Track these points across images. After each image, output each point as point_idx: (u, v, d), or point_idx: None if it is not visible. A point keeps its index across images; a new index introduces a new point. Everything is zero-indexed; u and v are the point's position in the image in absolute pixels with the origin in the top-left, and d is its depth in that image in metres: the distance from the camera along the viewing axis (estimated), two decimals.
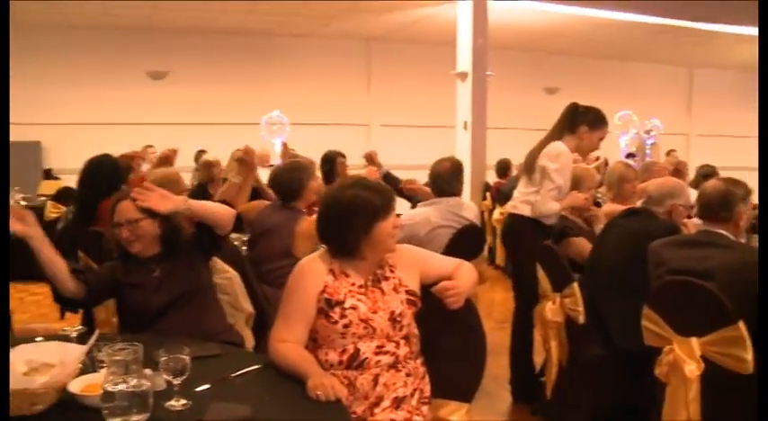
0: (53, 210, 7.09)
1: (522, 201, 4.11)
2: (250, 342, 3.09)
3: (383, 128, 11.62)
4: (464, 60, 8.17)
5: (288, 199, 4.00)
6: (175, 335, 2.46)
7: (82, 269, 2.84)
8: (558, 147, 4.00)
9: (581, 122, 4.08)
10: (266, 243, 3.89)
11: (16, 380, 1.80)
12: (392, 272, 2.39)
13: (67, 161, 10.65)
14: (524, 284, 4.03)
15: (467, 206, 4.38)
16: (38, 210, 7.60)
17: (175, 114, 10.93)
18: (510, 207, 4.28)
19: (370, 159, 5.76)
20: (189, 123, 10.66)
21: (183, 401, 1.89)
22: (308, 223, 3.79)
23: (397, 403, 2.26)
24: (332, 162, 5.77)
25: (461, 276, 2.42)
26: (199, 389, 1.99)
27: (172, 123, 10.65)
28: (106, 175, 4.49)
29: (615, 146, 7.68)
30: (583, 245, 3.91)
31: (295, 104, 9.90)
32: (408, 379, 2.31)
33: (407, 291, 2.36)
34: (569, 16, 10.24)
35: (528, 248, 3.91)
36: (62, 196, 7.25)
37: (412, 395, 2.30)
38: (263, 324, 3.18)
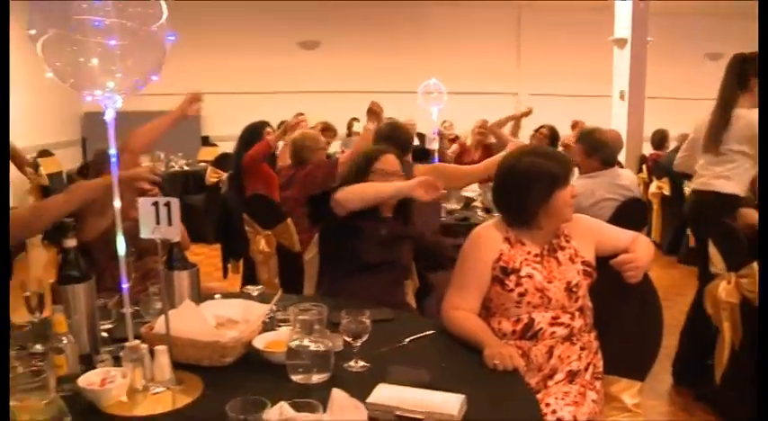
0: (213, 175, 7.42)
1: (716, 177, 3.80)
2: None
3: (532, 97, 11.31)
4: (623, 26, 7.81)
5: (403, 152, 4.10)
6: (354, 299, 2.50)
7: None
8: (744, 116, 3.68)
9: (751, 73, 3.67)
10: None
11: (210, 333, 1.88)
12: (567, 241, 2.32)
13: (223, 128, 11.13)
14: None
15: (624, 174, 4.20)
16: (199, 175, 8.02)
17: (327, 83, 11.14)
18: (699, 184, 3.94)
19: (576, 126, 5.60)
20: (340, 91, 10.83)
21: (362, 363, 1.92)
22: (422, 167, 3.97)
23: (572, 376, 2.20)
24: None
25: (640, 249, 2.31)
26: (375, 352, 2.00)
27: (323, 91, 10.87)
28: (252, 136, 5.10)
29: None
30: (751, 216, 3.63)
31: (443, 73, 9.81)
32: (582, 352, 2.24)
33: (583, 262, 2.29)
34: None
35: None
36: (221, 162, 7.57)
37: (586, 369, 2.23)
38: (423, 293, 3.20)
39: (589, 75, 10.18)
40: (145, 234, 1.78)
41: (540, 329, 2.21)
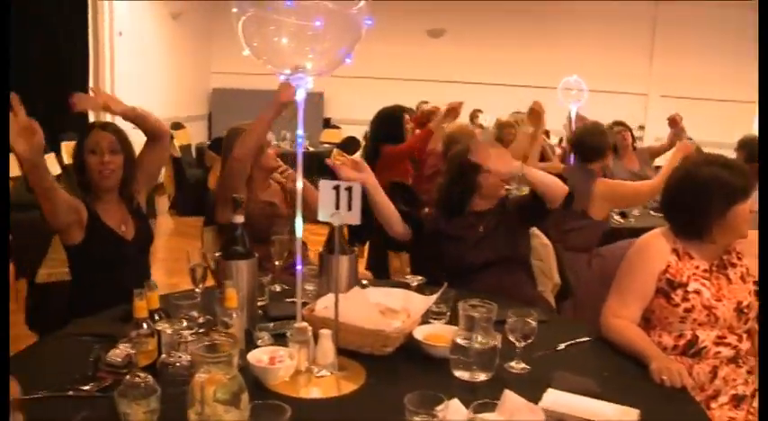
0: (339, 158, 7.48)
1: None
2: None
3: (664, 99, 10.78)
4: None
5: (588, 158, 3.96)
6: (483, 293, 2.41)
7: (409, 211, 2.90)
8: None
9: None
10: None
11: (376, 321, 1.87)
12: (739, 259, 2.20)
13: (345, 111, 11.22)
14: None
15: None
16: (323, 156, 8.12)
17: (451, 72, 11.01)
18: None
19: (675, 122, 5.23)
20: (463, 82, 10.69)
21: (523, 365, 1.87)
22: (604, 185, 3.79)
23: (737, 401, 2.08)
24: None
25: None
26: (533, 354, 1.95)
27: (447, 81, 10.76)
28: (390, 122, 4.91)
29: None
30: None
31: (570, 69, 9.42)
32: (750, 377, 2.11)
33: (756, 282, 2.15)
34: None
35: None
36: (347, 145, 7.63)
37: (753, 395, 2.11)
38: (564, 295, 3.12)
39: (729, 77, 9.65)
40: (323, 217, 1.78)
41: (704, 347, 2.09)
